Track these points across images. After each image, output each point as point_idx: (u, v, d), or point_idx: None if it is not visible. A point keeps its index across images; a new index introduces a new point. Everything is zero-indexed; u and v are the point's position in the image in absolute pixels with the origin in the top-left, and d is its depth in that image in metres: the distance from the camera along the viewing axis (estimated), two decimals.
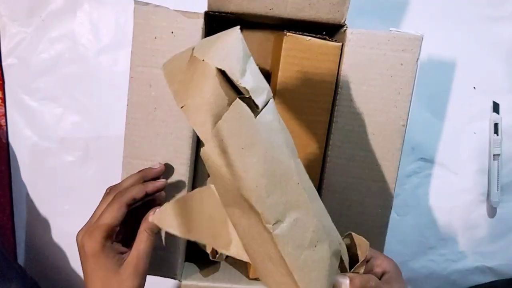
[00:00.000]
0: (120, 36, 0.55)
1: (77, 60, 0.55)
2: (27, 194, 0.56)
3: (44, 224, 0.57)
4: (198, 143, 0.41)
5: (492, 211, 0.58)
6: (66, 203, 0.56)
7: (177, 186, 0.40)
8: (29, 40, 0.54)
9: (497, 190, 0.57)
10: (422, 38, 0.39)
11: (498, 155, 0.57)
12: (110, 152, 0.55)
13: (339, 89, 0.40)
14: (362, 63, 0.39)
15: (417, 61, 0.39)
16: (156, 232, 0.34)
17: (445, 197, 0.58)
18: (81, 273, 0.57)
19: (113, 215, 0.33)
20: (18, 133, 0.55)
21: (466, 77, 0.57)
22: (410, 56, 0.39)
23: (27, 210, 0.56)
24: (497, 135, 0.57)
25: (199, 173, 0.47)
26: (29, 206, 0.56)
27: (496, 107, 0.57)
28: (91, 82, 0.55)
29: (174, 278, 0.42)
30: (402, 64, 0.39)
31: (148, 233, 0.33)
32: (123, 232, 0.35)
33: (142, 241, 0.33)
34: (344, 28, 0.40)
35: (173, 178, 0.40)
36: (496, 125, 0.57)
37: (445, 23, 0.57)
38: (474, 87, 0.57)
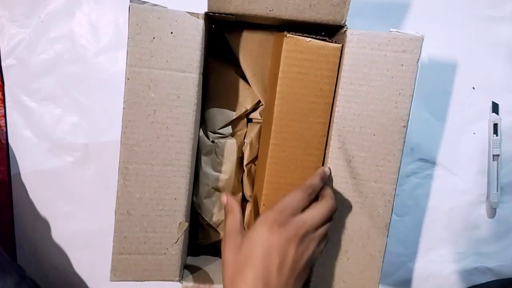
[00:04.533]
0: (119, 37, 0.55)
1: (76, 60, 0.55)
2: (27, 195, 0.56)
3: (44, 225, 0.57)
4: (198, 145, 0.41)
5: (491, 212, 0.58)
6: (66, 204, 0.56)
7: (178, 188, 0.40)
8: (28, 41, 0.54)
9: (497, 190, 0.57)
10: (423, 39, 0.39)
11: (498, 155, 0.57)
12: (110, 152, 0.55)
13: (339, 90, 0.40)
14: (362, 64, 0.39)
15: (417, 61, 0.39)
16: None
17: (445, 198, 0.58)
18: (81, 274, 0.58)
19: None
20: (17, 134, 0.55)
21: (466, 77, 0.57)
22: (410, 57, 0.39)
23: (26, 211, 0.56)
24: (497, 135, 0.57)
25: (200, 174, 0.47)
26: (29, 207, 0.56)
27: (495, 108, 0.57)
28: (90, 83, 0.55)
29: (175, 281, 0.42)
30: (402, 65, 0.39)
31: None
32: None
33: None
34: (344, 29, 0.40)
35: (174, 181, 0.40)
36: (495, 125, 0.57)
37: (445, 23, 0.57)
38: (474, 88, 0.57)
